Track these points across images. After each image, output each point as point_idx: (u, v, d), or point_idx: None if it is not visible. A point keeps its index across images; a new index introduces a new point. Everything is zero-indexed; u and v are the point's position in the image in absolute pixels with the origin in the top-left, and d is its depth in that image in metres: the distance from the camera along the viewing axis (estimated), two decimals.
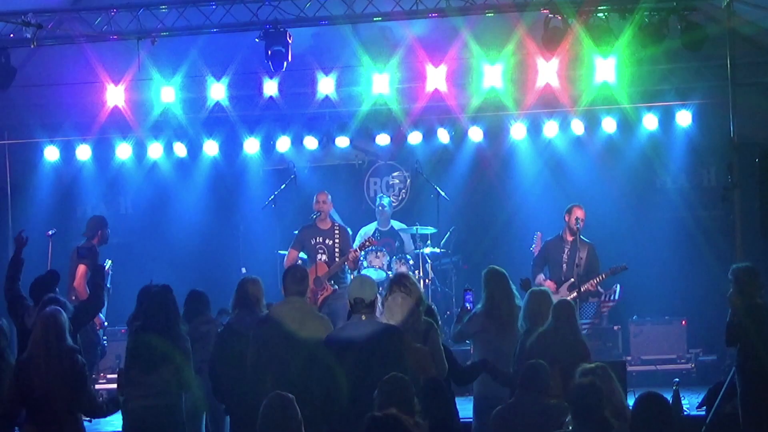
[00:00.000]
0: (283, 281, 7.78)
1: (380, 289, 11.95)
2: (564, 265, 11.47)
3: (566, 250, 11.51)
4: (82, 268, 11.07)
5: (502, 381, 8.00)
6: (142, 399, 7.46)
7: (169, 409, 7.50)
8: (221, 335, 8.21)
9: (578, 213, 11.50)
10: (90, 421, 10.57)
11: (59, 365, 7.11)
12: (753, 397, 8.37)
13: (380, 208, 13.36)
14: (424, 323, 7.29)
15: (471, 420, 8.56)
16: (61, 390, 7.11)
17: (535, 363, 7.06)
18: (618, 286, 11.71)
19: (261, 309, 8.19)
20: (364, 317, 6.88)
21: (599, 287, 11.43)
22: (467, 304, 8.84)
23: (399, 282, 7.43)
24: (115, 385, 8.19)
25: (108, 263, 12.12)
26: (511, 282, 8.73)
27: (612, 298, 11.70)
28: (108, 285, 11.96)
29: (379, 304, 10.75)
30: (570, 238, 11.53)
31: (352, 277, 11.16)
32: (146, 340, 7.58)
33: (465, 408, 9.47)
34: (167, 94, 12.74)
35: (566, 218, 11.56)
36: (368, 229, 13.32)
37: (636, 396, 5.90)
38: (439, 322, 12.44)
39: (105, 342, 11.79)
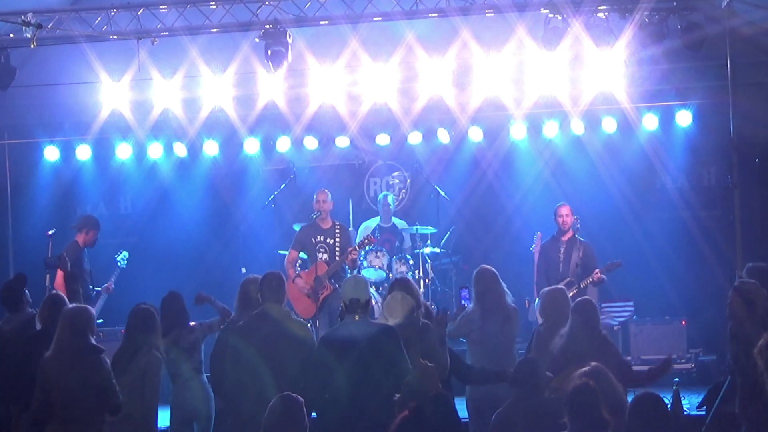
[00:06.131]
0: (260, 289, 7.66)
1: (380, 289, 12.05)
2: (560, 264, 11.49)
3: (562, 249, 11.54)
4: (59, 276, 11.11)
5: None
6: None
7: None
8: (223, 334, 8.18)
9: (561, 211, 11.64)
10: None
11: (82, 364, 7.08)
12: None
13: (384, 206, 13.33)
14: (423, 324, 7.31)
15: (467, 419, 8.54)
16: (86, 390, 7.06)
17: (527, 359, 7.14)
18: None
19: None
20: (357, 317, 6.89)
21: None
22: (463, 302, 8.84)
23: (400, 283, 7.56)
24: None
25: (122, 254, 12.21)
26: (501, 280, 8.72)
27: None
28: (112, 281, 12.03)
29: (377, 305, 10.76)
30: (564, 238, 11.57)
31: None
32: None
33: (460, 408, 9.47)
34: (167, 94, 12.73)
35: (555, 220, 11.67)
36: (370, 224, 13.32)
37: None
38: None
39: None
